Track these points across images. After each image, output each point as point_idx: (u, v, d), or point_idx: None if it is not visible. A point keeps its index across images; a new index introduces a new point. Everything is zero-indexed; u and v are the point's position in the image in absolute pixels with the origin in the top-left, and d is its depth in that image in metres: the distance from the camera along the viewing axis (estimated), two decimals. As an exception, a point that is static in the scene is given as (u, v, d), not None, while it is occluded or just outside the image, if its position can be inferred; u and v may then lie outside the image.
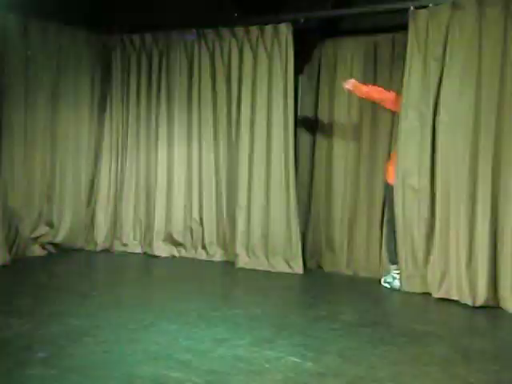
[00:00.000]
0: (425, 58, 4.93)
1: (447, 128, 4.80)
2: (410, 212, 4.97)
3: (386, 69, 5.58)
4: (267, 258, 5.82)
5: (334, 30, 5.88)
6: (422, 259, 4.94)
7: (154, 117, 6.49)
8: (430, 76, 4.91)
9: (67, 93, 6.31)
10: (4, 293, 4.64)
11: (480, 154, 4.65)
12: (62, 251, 6.27)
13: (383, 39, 5.59)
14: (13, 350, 3.33)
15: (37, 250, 6.06)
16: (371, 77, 5.64)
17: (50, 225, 6.22)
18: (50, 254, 6.17)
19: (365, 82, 5.62)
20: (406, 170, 4.99)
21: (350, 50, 5.75)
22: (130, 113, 6.62)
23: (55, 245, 6.25)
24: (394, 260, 5.13)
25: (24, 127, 5.92)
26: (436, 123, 4.89)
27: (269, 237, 5.81)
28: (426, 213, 4.91)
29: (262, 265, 5.82)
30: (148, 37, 6.45)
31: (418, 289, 4.95)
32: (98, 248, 6.54)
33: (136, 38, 6.51)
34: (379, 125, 5.62)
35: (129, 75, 6.61)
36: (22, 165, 5.90)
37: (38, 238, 6.10)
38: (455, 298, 4.70)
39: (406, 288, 4.97)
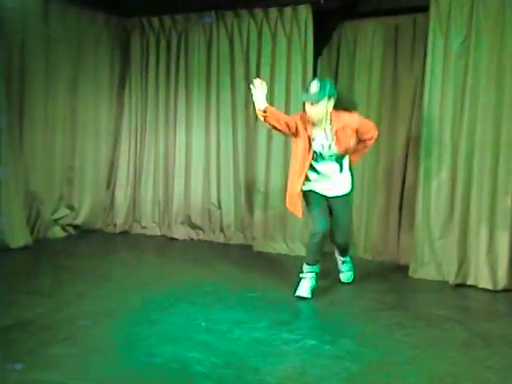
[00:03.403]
0: (447, 41, 4.84)
1: (472, 113, 4.73)
2: (429, 198, 4.95)
3: (406, 52, 5.48)
4: (285, 241, 5.84)
5: (354, 11, 5.78)
6: (439, 246, 4.93)
7: (172, 100, 6.49)
8: (454, 59, 4.82)
9: (87, 76, 6.35)
10: (26, 274, 4.72)
11: (502, 139, 4.60)
12: (81, 233, 6.36)
13: (404, 21, 5.48)
14: (35, 330, 3.41)
15: (57, 232, 6.16)
16: (392, 59, 5.56)
17: (71, 207, 6.31)
18: (70, 235, 6.26)
19: (385, 65, 5.56)
20: (427, 152, 4.95)
21: (370, 33, 5.65)
22: (148, 96, 6.64)
23: (75, 227, 6.35)
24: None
25: (44, 111, 5.98)
26: (460, 108, 4.81)
27: (286, 220, 5.82)
28: (446, 197, 4.90)
29: (279, 248, 5.84)
30: (167, 19, 6.43)
31: (433, 276, 4.94)
32: (117, 230, 6.62)
33: (155, 20, 6.50)
34: (399, 109, 5.55)
35: (148, 58, 6.61)
36: (42, 148, 5.98)
37: (58, 219, 6.19)
38: (472, 283, 4.70)
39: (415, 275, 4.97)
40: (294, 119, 4.19)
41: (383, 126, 5.62)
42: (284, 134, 4.28)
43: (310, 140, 4.15)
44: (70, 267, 4.92)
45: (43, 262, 5.15)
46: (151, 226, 6.64)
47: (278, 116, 4.14)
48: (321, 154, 4.19)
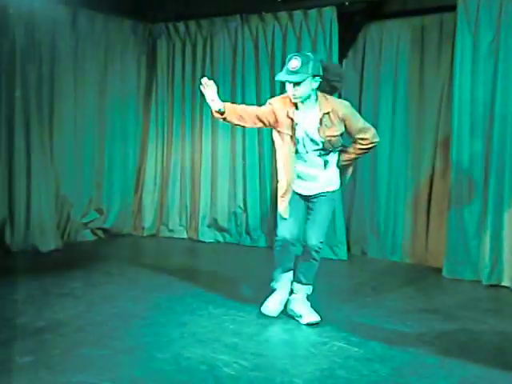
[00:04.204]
0: (476, 40, 4.77)
1: (503, 113, 4.65)
2: (461, 197, 4.89)
3: (433, 52, 5.43)
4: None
5: (379, 12, 5.75)
6: (473, 246, 4.87)
7: (198, 103, 6.54)
8: (483, 59, 4.75)
9: (114, 82, 6.46)
10: (57, 276, 4.80)
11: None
12: (110, 236, 6.45)
13: (431, 21, 5.43)
14: (67, 331, 3.46)
15: (87, 236, 6.26)
16: (418, 61, 5.51)
17: (100, 211, 6.41)
18: (99, 239, 6.36)
19: (411, 66, 5.51)
20: (458, 154, 4.89)
21: (395, 33, 5.62)
22: (174, 100, 6.71)
23: (104, 230, 6.44)
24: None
25: (74, 116, 6.10)
26: (491, 108, 4.74)
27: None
28: (479, 197, 4.84)
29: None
30: (192, 24, 6.50)
31: (468, 276, 4.88)
32: (145, 233, 6.70)
33: (180, 25, 6.57)
34: (426, 109, 5.50)
35: (174, 63, 6.69)
36: (72, 153, 6.10)
37: (88, 223, 6.30)
38: (507, 284, 4.63)
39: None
40: (269, 109, 3.56)
41: (410, 129, 5.59)
42: (259, 127, 3.70)
43: (293, 125, 3.51)
44: (100, 270, 4.99)
45: (74, 264, 5.23)
46: (178, 229, 6.70)
47: (242, 112, 3.53)
48: (303, 144, 3.54)
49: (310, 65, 3.41)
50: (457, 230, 4.92)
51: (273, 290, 3.84)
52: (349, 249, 5.80)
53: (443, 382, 2.91)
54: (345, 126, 3.52)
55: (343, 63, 5.89)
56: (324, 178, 3.62)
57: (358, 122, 3.56)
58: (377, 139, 3.60)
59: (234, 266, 5.36)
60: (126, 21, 6.48)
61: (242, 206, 6.37)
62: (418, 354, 3.25)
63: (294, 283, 3.81)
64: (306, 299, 3.78)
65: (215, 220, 6.47)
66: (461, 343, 3.45)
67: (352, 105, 3.65)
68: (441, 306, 4.23)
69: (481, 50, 4.77)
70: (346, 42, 5.82)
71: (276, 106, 3.55)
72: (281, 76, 3.47)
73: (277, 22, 5.97)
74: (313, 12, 5.73)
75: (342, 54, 5.81)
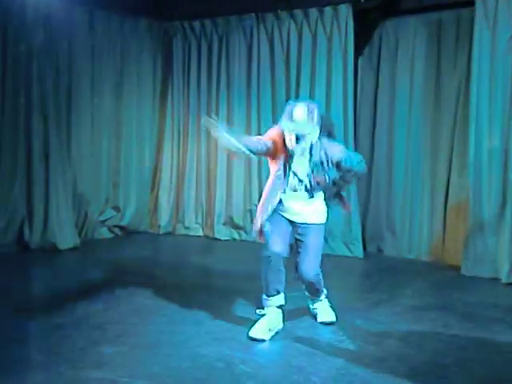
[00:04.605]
0: (494, 36, 4.72)
1: None
2: (479, 195, 4.85)
3: (450, 49, 5.38)
4: (327, 241, 5.80)
5: (395, 8, 5.71)
6: (492, 243, 4.83)
7: (214, 102, 6.56)
8: (502, 55, 4.69)
9: (131, 81, 6.51)
10: (75, 274, 4.86)
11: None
12: (127, 234, 6.51)
13: (447, 17, 5.39)
14: (85, 328, 3.50)
15: (104, 233, 6.32)
16: (434, 58, 5.46)
17: (117, 209, 6.46)
18: (116, 236, 6.42)
19: (427, 63, 5.47)
20: (476, 151, 4.85)
21: (411, 30, 5.59)
22: (190, 99, 6.73)
23: (121, 228, 6.49)
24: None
25: (91, 116, 6.16)
26: (510, 106, 4.68)
27: (328, 220, 5.78)
28: (498, 194, 4.80)
29: (322, 248, 5.81)
30: (208, 23, 6.52)
31: (487, 273, 4.84)
32: (161, 231, 6.74)
33: (196, 24, 6.59)
34: (443, 107, 5.46)
35: (189, 62, 6.71)
36: (89, 152, 6.17)
37: (105, 221, 6.36)
38: None
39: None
40: (272, 140, 3.46)
41: (426, 127, 5.55)
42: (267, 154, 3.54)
43: (286, 163, 3.44)
44: (117, 267, 5.04)
45: (92, 262, 5.29)
46: (194, 227, 6.73)
47: (256, 144, 3.44)
48: (293, 182, 3.47)
49: (316, 113, 3.31)
50: (475, 227, 4.88)
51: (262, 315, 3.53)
52: (364, 246, 5.78)
53: (461, 382, 2.89)
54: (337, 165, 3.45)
55: (359, 61, 5.87)
56: (310, 209, 3.50)
57: (352, 159, 3.45)
58: (364, 166, 3.49)
59: (250, 264, 5.35)
60: (141, 20, 6.52)
61: (257, 203, 6.35)
62: (435, 352, 3.24)
63: (308, 298, 3.77)
64: (324, 299, 3.76)
65: (231, 218, 6.49)
66: (478, 342, 3.42)
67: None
68: (459, 305, 4.20)
69: (499, 46, 4.71)
70: (362, 39, 5.80)
71: (275, 137, 3.45)
72: (289, 127, 3.31)
73: (292, 19, 5.96)
74: (328, 9, 5.71)
75: (358, 52, 5.79)
